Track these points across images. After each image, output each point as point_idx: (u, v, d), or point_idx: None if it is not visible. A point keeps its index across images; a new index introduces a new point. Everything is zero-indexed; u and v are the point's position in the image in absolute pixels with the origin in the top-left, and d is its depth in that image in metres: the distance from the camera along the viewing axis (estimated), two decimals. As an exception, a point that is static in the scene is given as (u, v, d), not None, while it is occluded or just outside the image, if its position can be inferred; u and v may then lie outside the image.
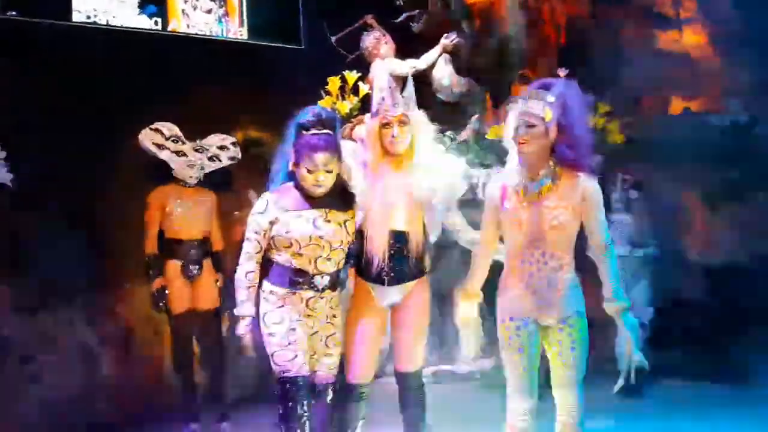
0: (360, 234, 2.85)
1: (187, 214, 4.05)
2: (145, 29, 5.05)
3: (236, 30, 5.45)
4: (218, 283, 4.13)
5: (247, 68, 5.30)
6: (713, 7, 6.02)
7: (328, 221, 2.71)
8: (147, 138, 4.07)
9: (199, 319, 4.06)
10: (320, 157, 2.65)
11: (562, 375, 2.60)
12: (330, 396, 2.79)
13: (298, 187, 2.72)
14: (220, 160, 4.29)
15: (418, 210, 2.85)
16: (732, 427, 3.80)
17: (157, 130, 4.08)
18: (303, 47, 5.62)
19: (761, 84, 5.59)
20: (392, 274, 2.82)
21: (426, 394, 2.95)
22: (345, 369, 2.90)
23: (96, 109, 4.49)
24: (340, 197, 2.77)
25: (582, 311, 2.61)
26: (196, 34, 5.27)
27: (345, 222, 2.75)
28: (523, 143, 2.53)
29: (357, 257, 2.88)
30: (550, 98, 2.52)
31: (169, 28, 5.16)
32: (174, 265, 4.02)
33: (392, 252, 2.81)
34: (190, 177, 4.10)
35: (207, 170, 4.21)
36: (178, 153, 4.07)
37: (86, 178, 4.44)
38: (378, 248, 2.81)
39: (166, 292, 3.97)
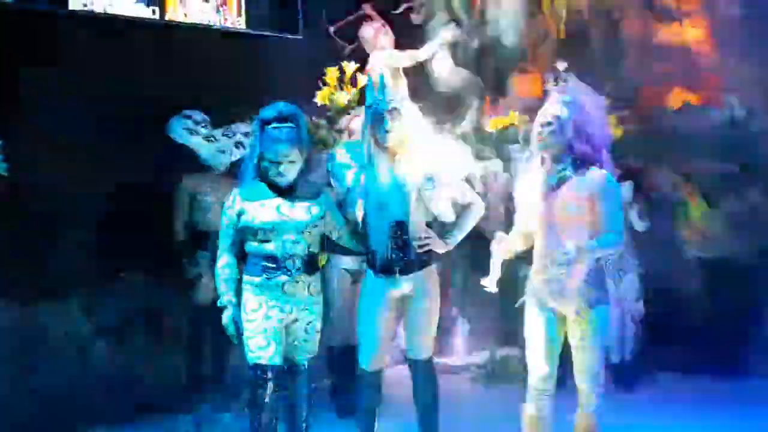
0: (364, 227, 2.95)
1: (215, 205, 4.04)
2: (142, 18, 5.02)
3: (234, 19, 5.41)
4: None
5: (244, 58, 5.27)
6: (715, 0, 5.99)
7: (293, 207, 2.83)
8: (177, 124, 4.04)
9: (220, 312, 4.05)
10: (283, 148, 2.79)
11: (577, 364, 2.72)
12: (305, 376, 2.89)
13: (264, 180, 2.86)
14: (244, 147, 4.26)
15: (417, 199, 2.91)
16: (724, 418, 3.81)
17: (188, 117, 4.08)
18: (301, 37, 5.59)
19: (761, 79, 5.57)
20: (400, 265, 2.90)
21: (437, 380, 3.05)
22: (359, 357, 3.02)
23: (91, 97, 4.46)
24: (305, 186, 2.90)
25: (599, 303, 2.69)
26: (194, 23, 5.23)
27: (310, 207, 2.86)
28: (540, 140, 2.74)
29: (363, 248, 3.00)
30: (567, 98, 2.74)
31: (166, 17, 5.13)
32: (202, 257, 4.00)
33: (395, 243, 2.88)
34: (221, 163, 4.09)
35: (234, 158, 4.18)
36: (209, 138, 4.05)
37: (83, 167, 4.42)
38: (379, 240, 2.90)
39: (202, 282, 3.95)
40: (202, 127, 4.06)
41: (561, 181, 2.69)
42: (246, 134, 4.26)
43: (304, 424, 2.91)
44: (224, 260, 2.86)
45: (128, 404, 4.18)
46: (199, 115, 4.08)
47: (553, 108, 2.73)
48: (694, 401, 4.21)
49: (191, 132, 4.02)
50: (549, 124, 2.70)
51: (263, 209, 2.81)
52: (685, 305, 5.26)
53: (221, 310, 3.96)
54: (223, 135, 4.10)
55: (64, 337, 4.24)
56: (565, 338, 2.78)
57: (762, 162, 5.25)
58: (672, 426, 3.78)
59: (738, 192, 5.26)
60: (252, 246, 2.84)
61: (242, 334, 2.82)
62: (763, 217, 5.13)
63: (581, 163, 2.70)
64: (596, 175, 2.70)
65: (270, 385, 2.74)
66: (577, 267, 2.65)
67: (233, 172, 4.16)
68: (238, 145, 4.21)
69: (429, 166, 2.94)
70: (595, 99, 2.87)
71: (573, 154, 2.71)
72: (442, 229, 3.05)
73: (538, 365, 2.73)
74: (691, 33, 6.08)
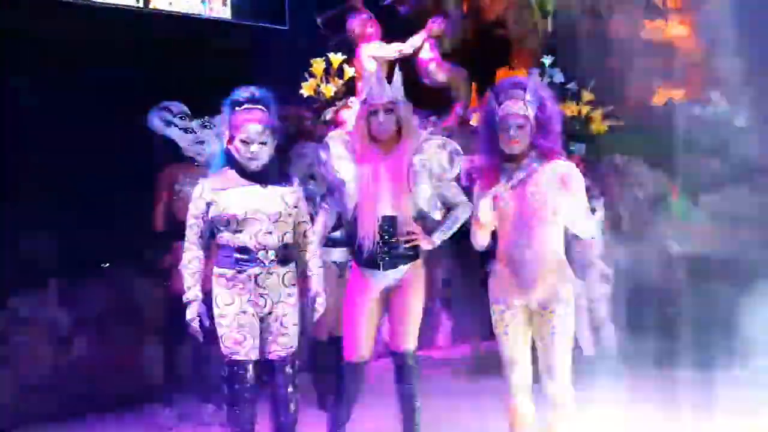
0: (353, 220, 2.96)
1: None
2: (126, 6, 4.96)
3: (219, 9, 5.37)
4: None
5: (229, 48, 5.23)
6: (700, -2, 6.04)
7: (265, 195, 2.76)
8: (155, 116, 4.05)
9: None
10: (254, 127, 2.72)
11: (544, 361, 2.69)
12: (287, 371, 2.82)
13: (235, 167, 2.78)
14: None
15: (406, 194, 2.94)
16: (703, 411, 3.85)
17: (164, 108, 4.06)
18: (287, 27, 5.55)
19: (744, 76, 5.62)
20: (386, 259, 2.92)
21: (419, 372, 3.07)
22: (343, 348, 3.02)
23: (74, 86, 4.41)
24: (278, 173, 2.84)
25: (565, 297, 2.69)
26: (179, 12, 5.18)
27: (283, 195, 2.79)
28: (515, 143, 2.69)
29: (350, 242, 3.00)
30: (528, 96, 2.70)
31: (150, 6, 5.07)
32: (181, 246, 3.97)
33: (383, 236, 2.90)
34: (199, 155, 4.07)
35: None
36: (186, 130, 4.04)
37: (65, 156, 4.37)
38: (368, 233, 2.91)
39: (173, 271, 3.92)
40: (180, 118, 4.04)
41: (528, 175, 2.69)
42: None
43: (291, 418, 2.84)
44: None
45: (109, 395, 4.15)
46: (176, 107, 4.06)
47: (520, 109, 2.67)
48: (675, 396, 4.24)
49: (168, 123, 4.01)
50: (521, 126, 2.66)
51: (234, 198, 2.71)
52: (667, 301, 5.30)
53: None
54: (202, 126, 4.08)
55: (45, 328, 4.20)
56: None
57: (745, 158, 5.29)
58: (650, 421, 3.81)
59: (721, 188, 5.31)
60: (223, 237, 2.75)
61: (210, 330, 2.74)
62: (746, 213, 5.18)
63: (546, 155, 2.71)
64: (562, 166, 2.70)
65: (247, 380, 2.70)
66: (543, 261, 2.66)
67: None
68: (220, 135, 4.19)
69: (420, 161, 2.95)
70: (550, 91, 2.86)
71: (540, 148, 2.71)
72: (429, 226, 3.04)
73: (513, 362, 2.73)
74: (677, 29, 6.12)
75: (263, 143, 2.73)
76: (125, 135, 4.40)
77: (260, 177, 2.76)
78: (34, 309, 4.20)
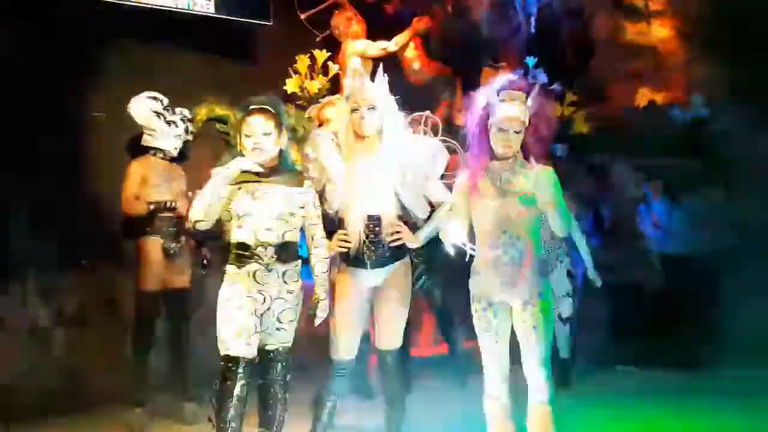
0: (339, 219, 2.94)
1: (167, 189, 3.94)
2: (108, -1, 4.89)
3: (203, 3, 5.32)
4: (205, 261, 4.07)
5: (213, 43, 5.19)
6: (682, 1, 6.11)
7: (268, 193, 2.81)
8: (145, 105, 3.93)
9: (170, 298, 3.97)
10: (256, 120, 2.79)
11: (527, 355, 2.74)
12: (279, 367, 2.85)
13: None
14: (187, 133, 4.19)
15: (391, 193, 2.92)
16: (681, 412, 3.90)
17: (155, 98, 3.96)
18: (271, 23, 5.51)
19: (723, 79, 5.70)
20: (373, 258, 2.91)
21: (403, 371, 3.10)
22: (329, 346, 3.00)
23: (53, 77, 4.35)
24: (285, 172, 2.87)
25: (546, 293, 2.74)
26: (162, 5, 5.13)
27: (289, 194, 2.84)
28: (509, 147, 2.71)
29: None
30: (530, 103, 2.72)
31: (133, -1, 5.01)
32: (153, 242, 3.91)
33: (369, 235, 2.89)
34: (175, 148, 4.01)
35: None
36: (169, 123, 3.98)
37: (39, 149, 4.30)
38: (354, 232, 2.89)
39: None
40: (166, 109, 3.98)
41: (514, 178, 2.72)
42: (190, 120, 4.16)
43: (278, 414, 2.86)
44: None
45: (82, 395, 4.09)
46: (165, 99, 3.99)
47: (521, 115, 2.69)
48: (655, 394, 4.29)
49: (158, 115, 3.94)
50: (518, 132, 2.69)
51: (239, 192, 2.78)
52: (645, 301, 5.36)
53: (168, 295, 3.93)
54: (181, 120, 4.02)
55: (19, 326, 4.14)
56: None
57: (723, 160, 5.38)
58: (629, 418, 3.85)
59: (699, 189, 5.38)
60: (228, 234, 2.83)
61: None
62: (724, 214, 5.26)
63: (533, 159, 2.73)
64: (545, 171, 2.71)
65: (239, 377, 2.71)
66: (526, 259, 2.69)
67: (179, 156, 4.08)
68: (186, 130, 4.15)
69: (405, 160, 2.93)
70: (550, 102, 2.87)
71: (528, 152, 2.74)
72: (415, 224, 3.03)
73: (491, 356, 2.77)
74: (659, 33, 6.19)
75: (267, 134, 2.79)
76: (103, 127, 4.35)
77: (267, 176, 2.81)
78: (10, 306, 4.14)
